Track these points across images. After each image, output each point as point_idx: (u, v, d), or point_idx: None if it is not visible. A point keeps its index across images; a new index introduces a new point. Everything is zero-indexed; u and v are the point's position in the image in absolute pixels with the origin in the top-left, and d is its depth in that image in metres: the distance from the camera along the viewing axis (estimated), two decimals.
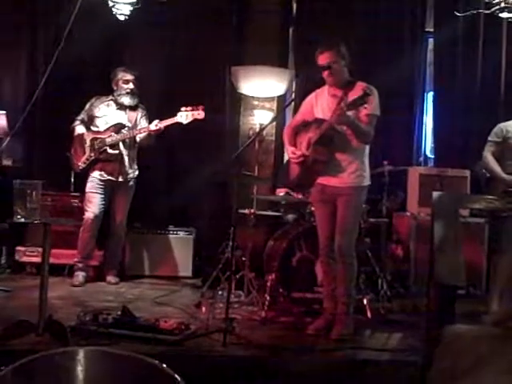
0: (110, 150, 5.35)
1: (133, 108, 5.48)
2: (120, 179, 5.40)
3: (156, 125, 5.19)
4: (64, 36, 5.59)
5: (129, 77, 5.41)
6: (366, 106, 3.86)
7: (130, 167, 5.45)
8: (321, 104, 4.16)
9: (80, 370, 1.50)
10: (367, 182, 4.17)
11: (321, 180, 4.15)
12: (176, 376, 1.57)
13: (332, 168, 4.08)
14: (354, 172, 4.07)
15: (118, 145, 5.36)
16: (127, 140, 5.38)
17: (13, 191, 3.62)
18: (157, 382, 1.55)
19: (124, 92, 5.41)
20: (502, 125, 5.12)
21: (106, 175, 5.38)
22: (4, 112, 5.84)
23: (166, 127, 5.21)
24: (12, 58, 6.16)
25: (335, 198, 4.10)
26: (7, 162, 5.84)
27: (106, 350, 1.60)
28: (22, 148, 6.09)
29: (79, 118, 5.49)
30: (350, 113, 3.90)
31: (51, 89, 5.91)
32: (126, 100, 5.43)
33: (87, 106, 5.50)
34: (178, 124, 5.15)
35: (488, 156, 5.06)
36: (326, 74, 4.05)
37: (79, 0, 5.40)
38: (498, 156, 5.05)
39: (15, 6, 6.01)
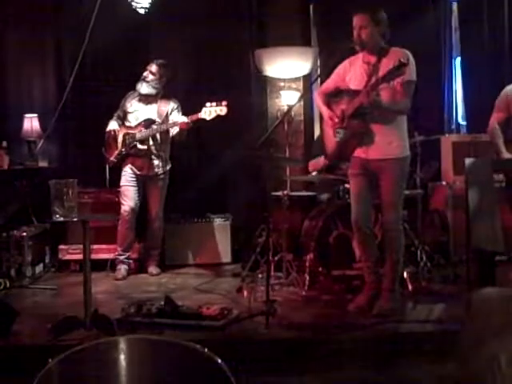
0: (139, 146, 5.39)
1: (164, 101, 5.47)
2: (150, 174, 5.45)
3: (184, 120, 5.21)
4: (88, 33, 5.67)
5: (148, 66, 5.40)
6: (403, 76, 3.82)
7: (161, 162, 5.45)
8: (354, 71, 4.08)
9: (123, 357, 1.55)
10: (407, 152, 4.10)
11: (359, 153, 4.07)
12: (217, 359, 1.59)
13: (370, 139, 4.01)
14: (393, 142, 4.01)
15: (147, 140, 5.39)
16: (157, 135, 5.40)
17: (50, 191, 3.70)
18: (198, 365, 1.58)
19: (140, 80, 5.40)
20: (507, 89, 4.88)
21: (136, 170, 5.44)
22: (36, 115, 5.96)
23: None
24: (38, 60, 6.25)
25: (376, 172, 4.04)
26: (43, 164, 5.98)
27: (146, 337, 1.65)
28: (56, 149, 6.21)
29: (116, 114, 5.54)
30: (382, 87, 3.87)
31: (79, 87, 6.00)
32: (142, 89, 5.39)
33: (122, 102, 5.54)
34: (203, 120, 5.16)
35: (496, 126, 4.84)
36: (357, 35, 3.97)
37: None
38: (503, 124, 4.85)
39: (37, 6, 6.08)
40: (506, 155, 4.66)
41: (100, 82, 6.07)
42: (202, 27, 6.10)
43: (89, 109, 6.05)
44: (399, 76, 3.80)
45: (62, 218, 3.69)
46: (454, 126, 6.35)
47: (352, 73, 4.09)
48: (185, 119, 5.22)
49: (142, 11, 5.26)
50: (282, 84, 6.04)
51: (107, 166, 5.66)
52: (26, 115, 5.93)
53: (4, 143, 5.66)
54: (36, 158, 5.94)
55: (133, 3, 5.14)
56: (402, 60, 3.72)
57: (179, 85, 6.00)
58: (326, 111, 4.19)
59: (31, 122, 5.92)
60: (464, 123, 6.39)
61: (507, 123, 4.85)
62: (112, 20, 5.73)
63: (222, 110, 5.06)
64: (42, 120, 5.99)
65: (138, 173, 5.44)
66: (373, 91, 3.85)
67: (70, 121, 6.19)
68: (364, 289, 4.22)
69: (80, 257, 5.26)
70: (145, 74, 5.41)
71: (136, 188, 5.45)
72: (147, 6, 5.19)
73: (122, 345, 1.54)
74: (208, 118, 5.11)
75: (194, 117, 5.17)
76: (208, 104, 5.09)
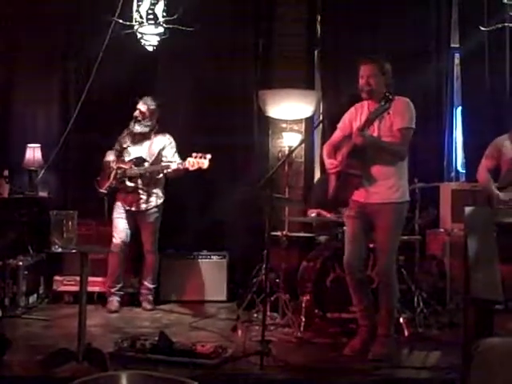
0: (127, 182, 5.40)
1: (158, 138, 5.51)
2: (139, 209, 5.45)
3: (178, 164, 5.24)
4: (94, 69, 5.75)
5: (139, 106, 5.46)
6: (389, 111, 3.89)
7: (150, 197, 5.45)
8: (360, 118, 4.14)
9: None
10: (407, 197, 4.14)
11: (359, 197, 4.11)
12: None
13: (368, 182, 4.05)
14: (392, 187, 4.04)
15: (136, 177, 5.40)
16: (147, 174, 5.41)
17: (49, 222, 3.70)
18: None
19: (133, 119, 5.47)
20: (499, 139, 5.09)
21: (126, 205, 5.47)
22: (39, 145, 5.99)
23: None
24: (45, 92, 6.30)
25: (373, 215, 4.07)
26: (43, 194, 5.98)
27: (147, 373, 1.63)
28: (56, 179, 6.23)
29: (115, 147, 5.58)
30: (384, 135, 3.95)
31: (83, 121, 6.05)
32: (135, 128, 5.46)
33: (120, 136, 5.59)
34: (186, 170, 5.20)
35: (486, 172, 5.01)
36: (364, 83, 4.06)
37: (109, 33, 5.58)
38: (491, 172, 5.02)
39: (47, 41, 6.18)
40: (501, 195, 4.76)
41: (104, 116, 6.11)
42: (207, 66, 6.19)
43: (91, 142, 6.07)
44: (386, 110, 3.87)
45: (60, 249, 3.68)
46: (453, 174, 6.41)
47: (358, 120, 4.14)
48: (174, 166, 5.26)
49: (150, 48, 5.34)
50: (285, 125, 6.11)
51: (106, 200, 5.65)
52: (29, 145, 5.96)
53: (5, 172, 5.68)
54: (36, 188, 5.95)
55: (142, 40, 5.21)
56: (389, 96, 3.81)
57: (182, 122, 6.06)
58: (326, 161, 4.27)
59: (33, 152, 5.94)
60: (463, 171, 6.45)
61: (494, 172, 5.00)
62: (119, 58, 5.81)
63: (204, 164, 5.09)
64: (45, 150, 6.02)
65: (127, 208, 5.47)
66: (362, 130, 3.92)
67: (72, 152, 6.21)
68: (358, 332, 4.20)
69: (74, 288, 5.29)
70: (135, 113, 5.47)
71: (126, 221, 5.48)
72: (156, 43, 5.27)
73: (124, 380, 1.52)
74: (191, 169, 5.16)
75: (182, 165, 5.20)
76: (194, 154, 5.12)
